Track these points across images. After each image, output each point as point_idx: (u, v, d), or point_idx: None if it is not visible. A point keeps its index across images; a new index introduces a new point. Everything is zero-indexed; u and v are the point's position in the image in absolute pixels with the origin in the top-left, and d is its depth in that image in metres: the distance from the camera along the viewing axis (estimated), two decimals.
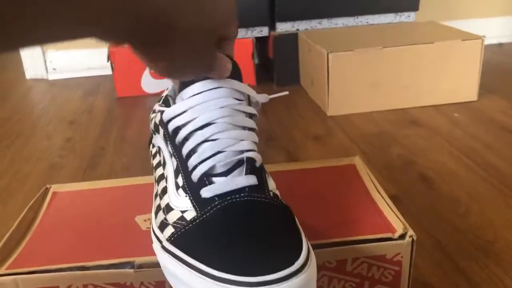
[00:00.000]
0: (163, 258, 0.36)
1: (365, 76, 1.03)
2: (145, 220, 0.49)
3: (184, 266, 0.33)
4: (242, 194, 0.36)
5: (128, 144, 0.96)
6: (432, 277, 0.54)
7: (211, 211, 0.35)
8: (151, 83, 1.24)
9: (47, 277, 0.42)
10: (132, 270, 0.41)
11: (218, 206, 0.35)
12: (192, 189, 0.37)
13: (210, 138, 0.37)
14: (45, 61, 1.46)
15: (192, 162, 0.38)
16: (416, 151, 0.86)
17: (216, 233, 0.34)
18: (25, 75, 1.48)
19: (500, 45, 1.60)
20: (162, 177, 0.42)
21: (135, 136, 1.01)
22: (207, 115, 0.38)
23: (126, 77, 1.23)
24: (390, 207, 0.47)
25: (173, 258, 0.35)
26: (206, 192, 0.36)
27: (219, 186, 0.36)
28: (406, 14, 1.26)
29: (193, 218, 0.36)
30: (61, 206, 0.52)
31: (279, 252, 0.32)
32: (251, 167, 0.38)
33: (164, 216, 0.38)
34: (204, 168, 0.37)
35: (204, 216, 0.35)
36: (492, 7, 1.58)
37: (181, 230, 0.36)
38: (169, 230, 0.37)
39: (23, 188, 0.81)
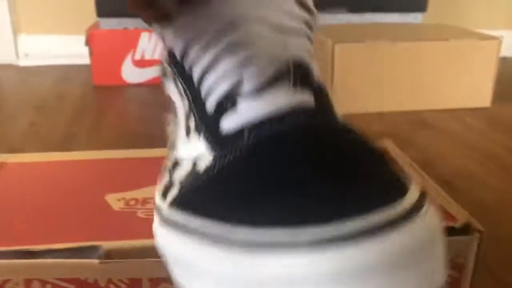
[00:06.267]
0: (161, 237, 0.23)
1: (374, 73, 0.93)
2: (118, 200, 0.37)
3: (189, 235, 0.20)
4: (289, 121, 0.22)
5: (104, 133, 0.84)
6: None
7: (238, 152, 0.22)
8: (133, 71, 1.12)
9: None
10: (96, 261, 0.29)
11: (250, 143, 0.22)
12: (207, 124, 0.24)
13: (234, 47, 0.24)
14: (16, 46, 1.33)
15: (207, 84, 0.24)
16: (432, 154, 0.76)
17: (247, 186, 0.20)
18: None
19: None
20: (172, 137, 0.30)
21: (112, 125, 0.88)
22: (231, 12, 0.24)
23: (105, 63, 1.11)
24: (443, 196, 0.36)
25: (174, 230, 0.21)
26: (229, 124, 0.23)
27: (249, 111, 0.22)
28: (412, 15, 1.17)
29: (210, 166, 0.22)
30: (10, 178, 0.40)
31: (370, 191, 0.19)
32: (303, 79, 0.24)
33: (168, 179, 0.26)
34: (224, 87, 0.24)
35: (227, 160, 0.22)
36: (506, 19, 1.51)
37: (190, 187, 0.23)
38: (174, 191, 0.24)
39: None
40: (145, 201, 0.37)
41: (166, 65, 0.29)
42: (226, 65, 0.24)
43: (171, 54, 0.28)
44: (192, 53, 0.26)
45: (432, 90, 0.97)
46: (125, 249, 0.30)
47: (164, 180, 0.27)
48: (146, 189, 0.38)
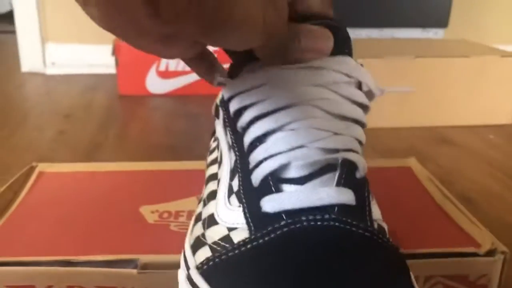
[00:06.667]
0: None
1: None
2: (152, 212, 0.38)
3: None
4: (328, 216, 0.23)
5: (129, 143, 0.86)
6: None
7: (273, 235, 0.23)
8: (157, 83, 1.14)
9: (20, 272, 0.31)
10: (135, 271, 0.31)
11: (285, 230, 0.23)
12: (249, 196, 0.25)
13: (287, 127, 0.25)
14: (43, 54, 1.36)
15: (255, 156, 0.25)
16: (453, 171, 0.77)
17: (275, 272, 0.21)
18: (20, 68, 1.38)
19: None
20: (213, 177, 0.31)
21: (137, 135, 0.91)
22: (288, 94, 0.25)
23: (130, 73, 1.14)
24: (467, 217, 0.37)
25: None
26: (269, 204, 0.24)
27: (291, 197, 0.24)
28: (433, 30, 1.18)
29: (243, 241, 0.24)
30: (48, 188, 0.42)
31: None
32: (348, 176, 0.25)
33: (202, 231, 0.27)
34: (272, 165, 0.25)
35: (261, 241, 0.23)
36: None
37: (220, 257, 0.24)
38: (204, 252, 0.25)
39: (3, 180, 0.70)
40: (177, 214, 0.38)
41: (220, 107, 0.31)
42: (277, 146, 0.25)
43: (226, 103, 0.28)
44: (247, 116, 0.26)
45: (452, 106, 0.97)
46: (161, 263, 0.31)
47: (196, 229, 0.28)
48: (177, 202, 0.40)
